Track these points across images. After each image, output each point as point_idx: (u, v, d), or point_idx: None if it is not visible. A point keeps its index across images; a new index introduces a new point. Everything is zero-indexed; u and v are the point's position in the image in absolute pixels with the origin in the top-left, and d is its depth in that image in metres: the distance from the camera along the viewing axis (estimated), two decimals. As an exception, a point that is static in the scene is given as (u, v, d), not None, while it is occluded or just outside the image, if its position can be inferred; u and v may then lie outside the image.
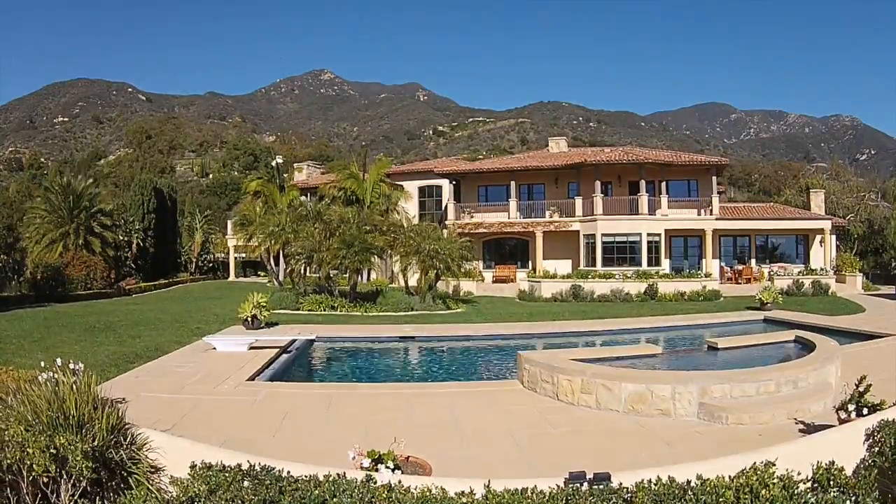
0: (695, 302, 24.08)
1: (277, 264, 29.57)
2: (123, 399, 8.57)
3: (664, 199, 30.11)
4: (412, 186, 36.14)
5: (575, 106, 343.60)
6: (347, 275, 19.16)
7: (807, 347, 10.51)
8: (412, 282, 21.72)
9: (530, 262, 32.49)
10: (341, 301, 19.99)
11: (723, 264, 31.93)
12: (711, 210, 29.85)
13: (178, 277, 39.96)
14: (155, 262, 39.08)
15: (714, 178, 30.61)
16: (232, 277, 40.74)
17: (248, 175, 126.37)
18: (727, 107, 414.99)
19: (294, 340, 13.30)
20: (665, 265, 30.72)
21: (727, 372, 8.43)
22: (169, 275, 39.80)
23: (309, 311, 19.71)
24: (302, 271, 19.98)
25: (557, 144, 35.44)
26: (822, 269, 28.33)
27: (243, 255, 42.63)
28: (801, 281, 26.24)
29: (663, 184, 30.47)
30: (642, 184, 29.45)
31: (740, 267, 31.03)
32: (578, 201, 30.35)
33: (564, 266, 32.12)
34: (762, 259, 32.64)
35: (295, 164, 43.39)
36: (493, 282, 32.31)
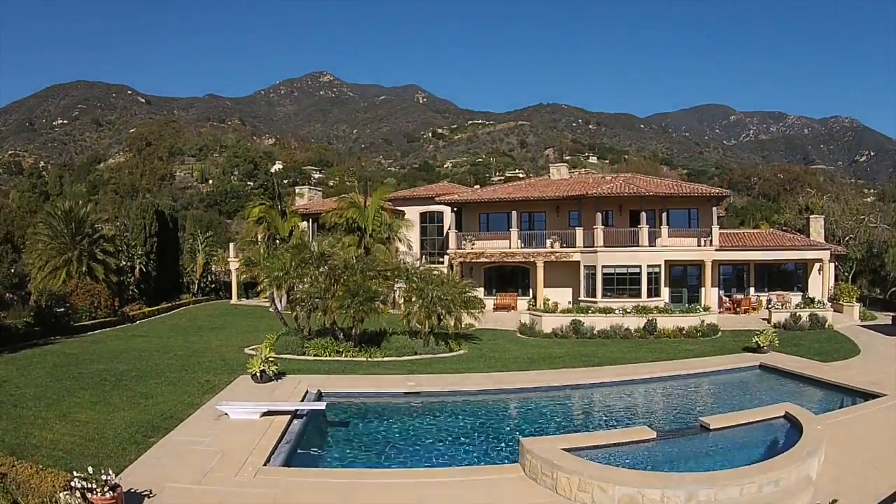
0: (693, 338, 24.46)
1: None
2: (150, 492, 9.05)
3: (664, 230, 30.53)
4: (413, 212, 36.50)
5: (574, 108, 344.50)
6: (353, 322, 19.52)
7: (795, 427, 10.98)
8: (413, 308, 21.96)
9: (531, 290, 32.89)
10: (346, 345, 20.39)
11: (721, 293, 32.34)
12: (711, 241, 30.24)
13: (181, 300, 40.30)
14: (157, 285, 39.43)
15: (714, 209, 31.04)
16: (234, 300, 41.05)
17: (248, 183, 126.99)
18: (726, 108, 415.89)
19: (302, 409, 13.66)
20: (665, 293, 31.16)
21: (713, 475, 8.91)
22: (171, 297, 40.17)
23: (315, 355, 20.11)
24: (307, 316, 20.38)
25: (559, 171, 35.81)
26: (818, 302, 28.74)
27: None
28: (798, 314, 26.63)
29: (664, 214, 30.89)
30: (643, 215, 29.88)
31: (739, 296, 31.47)
32: (579, 232, 30.76)
33: (565, 294, 32.56)
34: (761, 286, 33.03)
35: (296, 189, 43.81)
36: (494, 310, 32.72)
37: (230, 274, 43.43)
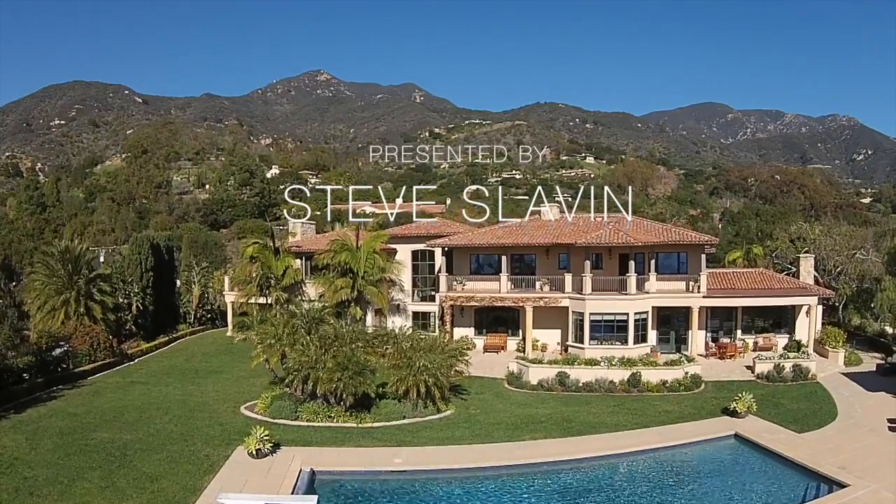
0: (675, 393, 25.13)
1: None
2: None
3: (653, 276, 31.13)
4: (405, 250, 37.04)
5: (572, 107, 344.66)
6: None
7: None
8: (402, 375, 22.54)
9: (521, 331, 33.54)
10: (337, 409, 21.02)
11: (708, 336, 32.96)
12: (699, 287, 30.86)
13: (178, 331, 40.96)
14: (155, 319, 40.00)
15: (703, 255, 31.68)
16: (230, 332, 41.68)
17: (244, 191, 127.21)
18: (724, 107, 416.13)
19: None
20: (652, 336, 31.83)
21: None
22: (169, 328, 40.83)
23: (308, 421, 20.80)
24: (300, 382, 21.05)
25: (551, 210, 36.44)
26: (803, 351, 29.37)
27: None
28: (782, 365, 27.22)
29: (653, 261, 31.48)
30: (632, 263, 30.50)
31: (725, 341, 32.09)
32: (568, 278, 31.37)
33: (554, 335, 33.25)
34: (749, 326, 33.58)
35: (290, 226, 44.45)
36: (485, 350, 33.35)
37: (225, 298, 43.90)
